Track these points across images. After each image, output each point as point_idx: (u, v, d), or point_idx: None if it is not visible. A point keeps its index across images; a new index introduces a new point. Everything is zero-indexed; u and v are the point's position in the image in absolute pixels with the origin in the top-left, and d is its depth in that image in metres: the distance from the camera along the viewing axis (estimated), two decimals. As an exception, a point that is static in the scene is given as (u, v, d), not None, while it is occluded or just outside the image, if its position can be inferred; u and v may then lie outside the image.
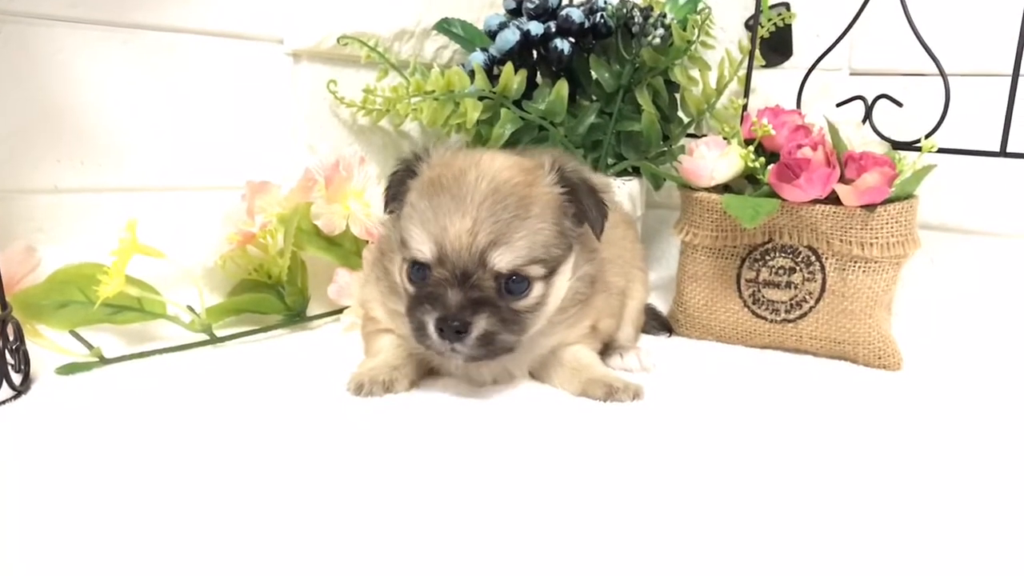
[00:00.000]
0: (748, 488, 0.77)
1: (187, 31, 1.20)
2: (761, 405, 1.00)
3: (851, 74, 1.34)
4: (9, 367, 0.88)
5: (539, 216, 0.90)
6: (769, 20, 1.33)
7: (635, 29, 1.21)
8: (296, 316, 1.19)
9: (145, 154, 1.18)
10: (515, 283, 0.90)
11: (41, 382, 0.94)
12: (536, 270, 0.90)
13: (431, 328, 0.88)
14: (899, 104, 1.20)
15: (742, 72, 1.32)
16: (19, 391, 0.89)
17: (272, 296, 1.17)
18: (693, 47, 1.23)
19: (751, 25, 1.30)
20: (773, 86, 1.36)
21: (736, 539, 0.68)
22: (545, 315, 0.95)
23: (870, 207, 1.12)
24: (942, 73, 1.17)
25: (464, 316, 0.87)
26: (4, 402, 0.87)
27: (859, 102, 1.23)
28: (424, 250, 0.89)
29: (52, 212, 1.11)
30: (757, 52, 1.39)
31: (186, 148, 1.22)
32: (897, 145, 1.20)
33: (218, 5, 1.22)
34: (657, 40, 1.20)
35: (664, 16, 1.23)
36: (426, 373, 1.02)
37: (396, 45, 1.40)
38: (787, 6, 1.37)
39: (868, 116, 1.23)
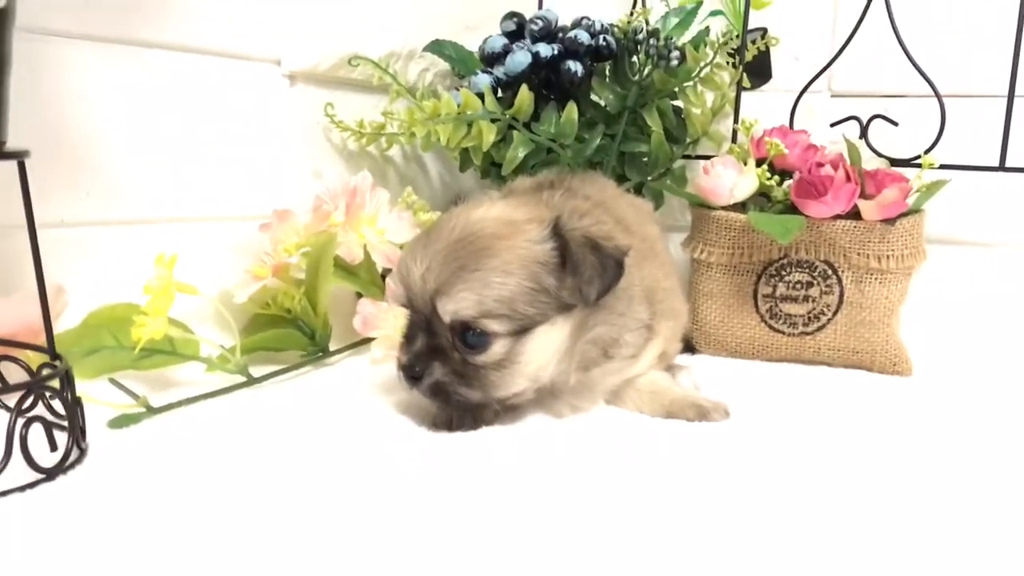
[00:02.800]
0: (801, 497, 0.78)
1: (189, 50, 1.11)
2: (791, 417, 1.01)
3: (832, 96, 1.40)
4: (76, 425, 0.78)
5: (505, 270, 0.86)
6: (753, 43, 1.37)
7: (651, 51, 1.22)
8: (320, 351, 1.12)
9: (149, 182, 1.09)
10: (473, 336, 0.87)
11: (94, 436, 0.84)
12: (493, 325, 0.86)
13: (397, 368, 0.91)
14: (895, 124, 1.27)
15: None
16: (83, 450, 0.79)
17: (295, 331, 1.10)
18: (707, 69, 1.25)
19: (737, 49, 1.34)
20: (753, 108, 1.40)
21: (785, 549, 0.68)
22: (521, 375, 0.89)
23: (889, 221, 1.17)
24: (937, 94, 1.24)
25: (418, 362, 0.89)
26: (74, 464, 0.77)
27: (853, 122, 1.29)
28: (397, 292, 0.92)
29: (58, 246, 1.00)
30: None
31: (190, 174, 1.14)
32: (894, 163, 1.27)
33: (219, 24, 1.14)
34: (674, 63, 1.21)
35: (672, 38, 1.25)
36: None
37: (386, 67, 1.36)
38: (765, 30, 1.43)
39: (864, 135, 1.29)
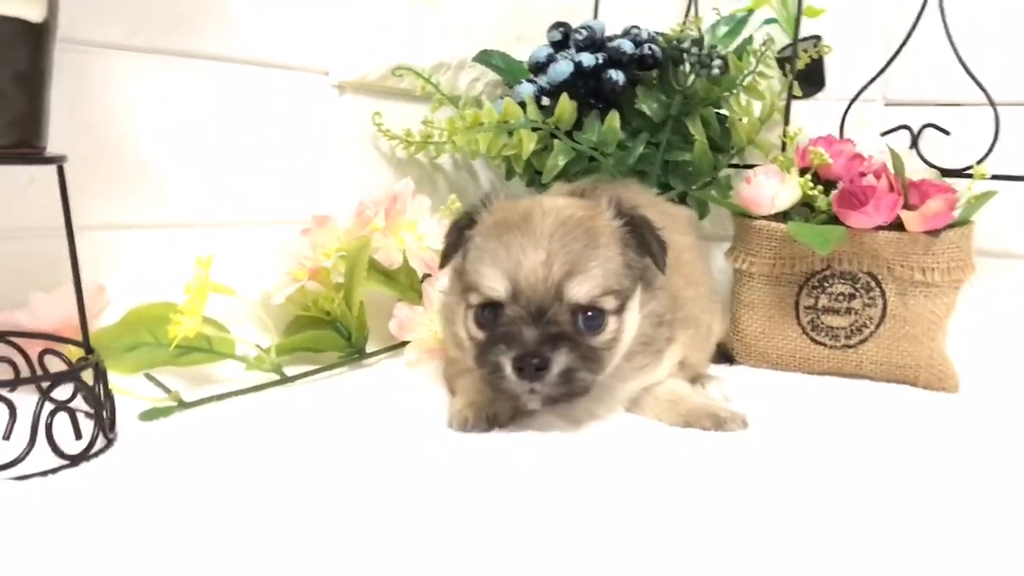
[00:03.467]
0: (837, 514, 0.76)
1: (237, 60, 1.16)
2: (832, 431, 1.00)
3: (886, 104, 1.37)
4: (104, 415, 0.83)
5: (607, 246, 0.90)
6: (805, 52, 1.35)
7: (692, 60, 1.21)
8: (356, 352, 1.16)
9: (197, 188, 1.14)
10: (591, 318, 0.88)
11: (124, 428, 0.89)
12: (610, 302, 0.89)
13: (508, 368, 0.85)
14: (947, 133, 1.24)
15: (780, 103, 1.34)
16: (111, 440, 0.84)
17: (333, 333, 1.14)
18: (750, 77, 1.24)
19: (788, 56, 1.33)
20: (805, 117, 1.38)
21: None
22: (619, 352, 0.93)
23: (933, 232, 1.14)
24: (991, 102, 1.20)
25: (543, 352, 0.84)
26: (99, 452, 0.81)
27: (904, 131, 1.26)
28: (498, 287, 0.87)
29: (105, 248, 1.06)
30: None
31: (237, 181, 1.19)
32: (944, 172, 1.23)
33: (267, 36, 1.19)
34: (716, 71, 1.21)
35: (716, 47, 1.24)
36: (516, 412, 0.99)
37: (435, 77, 1.38)
38: (819, 38, 1.40)
39: (914, 144, 1.26)
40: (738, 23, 1.34)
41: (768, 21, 1.45)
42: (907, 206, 1.15)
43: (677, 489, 0.80)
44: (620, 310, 0.90)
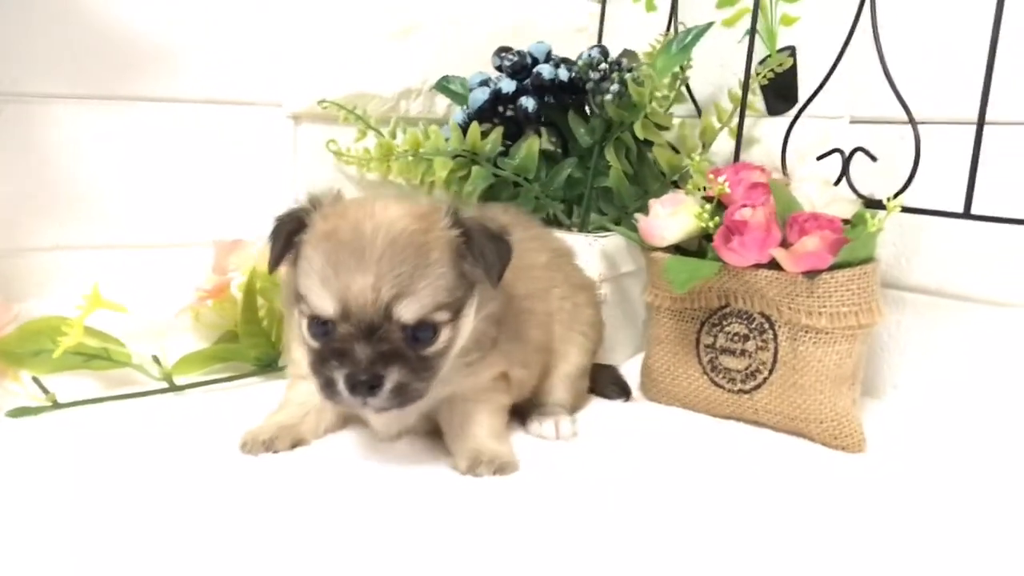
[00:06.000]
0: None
1: (184, 100, 1.31)
2: (695, 477, 0.96)
3: (852, 122, 1.22)
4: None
5: (439, 261, 0.89)
6: (768, 67, 1.25)
7: (590, 85, 1.18)
8: (267, 366, 1.26)
9: (144, 215, 1.30)
10: (422, 331, 0.89)
11: (-3, 423, 1.06)
12: (442, 315, 0.90)
13: (341, 385, 0.88)
14: (873, 158, 1.09)
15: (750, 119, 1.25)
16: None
17: (236, 346, 1.25)
18: (652, 105, 1.18)
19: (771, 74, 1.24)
20: (779, 136, 1.27)
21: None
22: (453, 355, 0.94)
23: (811, 274, 1.02)
24: (912, 122, 1.05)
25: (376, 370, 0.86)
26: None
27: (837, 155, 1.13)
28: (327, 307, 0.88)
29: (52, 270, 1.25)
30: (759, 100, 1.32)
31: (186, 209, 1.33)
32: (870, 203, 1.09)
33: (215, 74, 1.32)
34: (609, 96, 1.16)
35: (620, 70, 1.19)
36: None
37: (403, 104, 1.45)
38: (793, 49, 1.28)
39: (845, 171, 1.12)
40: (689, 41, 1.26)
41: (747, 33, 1.34)
42: (786, 243, 1.04)
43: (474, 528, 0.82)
44: (455, 318, 0.92)
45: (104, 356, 1.18)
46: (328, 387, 0.89)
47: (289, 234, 0.95)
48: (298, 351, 1.04)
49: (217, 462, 0.95)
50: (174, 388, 1.18)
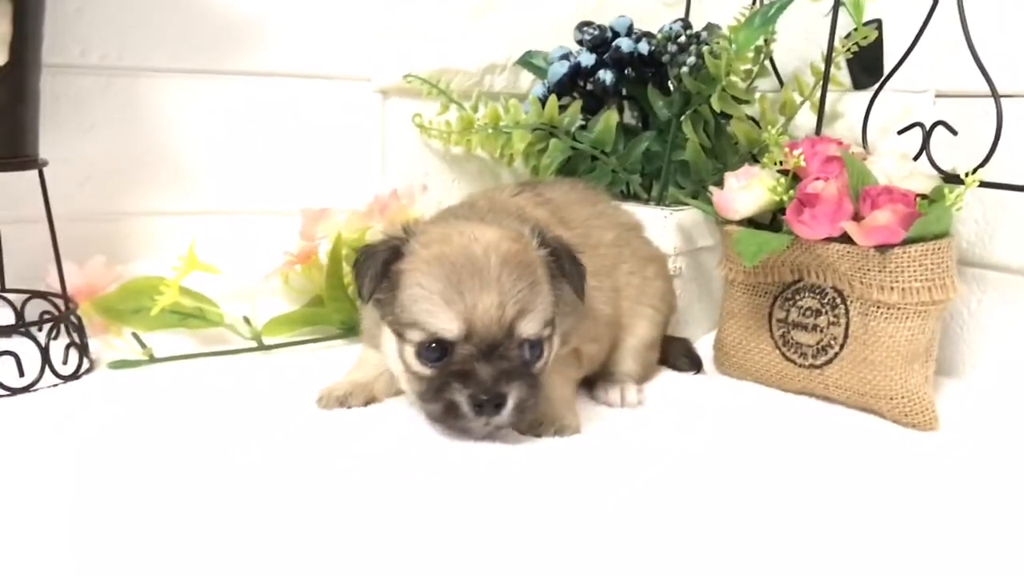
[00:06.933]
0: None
1: (278, 75, 1.36)
2: (760, 450, 0.96)
3: (938, 96, 1.19)
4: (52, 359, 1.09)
5: (543, 280, 0.93)
6: (853, 40, 1.23)
7: (666, 58, 1.18)
8: (350, 330, 1.31)
9: (238, 183, 1.37)
10: (534, 348, 0.93)
11: (97, 374, 1.14)
12: (548, 330, 0.94)
13: (466, 407, 0.89)
14: (954, 132, 1.07)
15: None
16: (64, 378, 1.10)
17: (321, 311, 1.30)
18: (729, 78, 1.17)
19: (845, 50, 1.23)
20: (861, 110, 1.24)
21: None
22: (548, 369, 0.97)
23: (883, 248, 1.01)
24: (995, 95, 1.02)
25: (499, 389, 0.88)
26: (48, 387, 1.07)
27: (918, 129, 1.11)
28: (452, 328, 0.89)
29: (152, 234, 1.33)
30: (843, 74, 1.30)
31: (277, 178, 1.39)
32: (950, 178, 1.07)
33: (308, 50, 1.37)
34: (685, 68, 1.16)
35: (699, 43, 1.19)
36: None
37: (488, 79, 1.48)
38: (879, 22, 1.26)
39: (925, 145, 1.10)
40: (772, 14, 1.25)
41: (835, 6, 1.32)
42: (857, 217, 1.03)
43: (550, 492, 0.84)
44: (553, 333, 0.96)
45: (198, 315, 1.25)
46: (450, 411, 0.90)
47: (386, 263, 0.94)
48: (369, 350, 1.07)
49: (295, 416, 1.01)
50: (262, 347, 1.25)
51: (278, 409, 1.03)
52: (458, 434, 0.93)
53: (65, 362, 1.10)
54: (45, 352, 1.07)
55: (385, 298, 0.95)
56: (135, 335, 1.20)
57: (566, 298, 0.98)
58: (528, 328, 0.90)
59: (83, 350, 1.13)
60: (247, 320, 1.25)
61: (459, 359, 0.89)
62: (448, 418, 0.90)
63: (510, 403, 0.88)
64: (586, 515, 0.79)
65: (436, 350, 0.91)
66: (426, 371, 0.92)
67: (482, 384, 0.87)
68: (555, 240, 0.97)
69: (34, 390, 1.06)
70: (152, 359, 1.18)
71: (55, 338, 1.12)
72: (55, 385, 1.08)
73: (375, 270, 0.94)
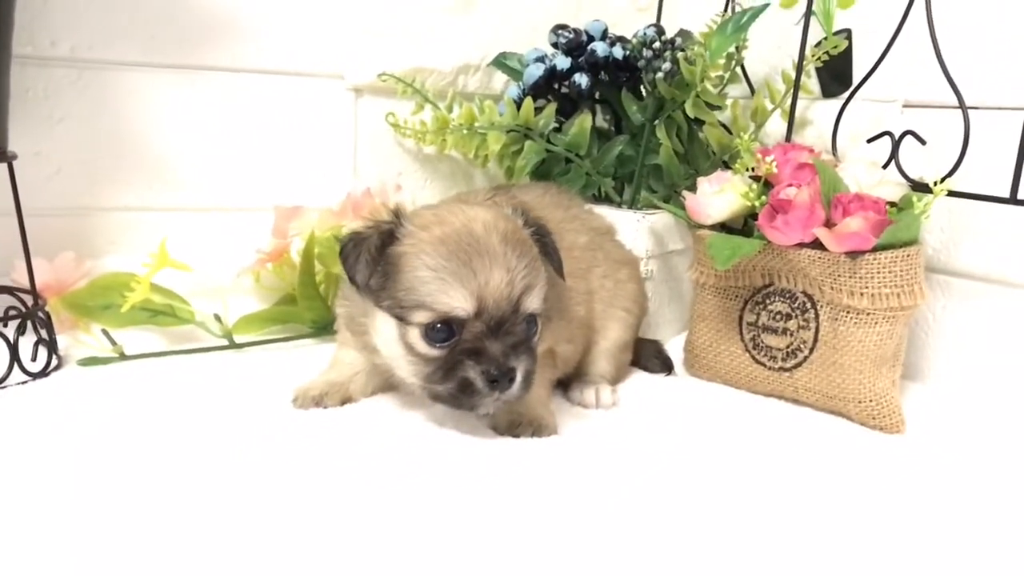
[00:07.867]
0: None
1: (250, 71, 1.35)
2: (730, 451, 0.98)
3: (905, 106, 1.22)
4: (21, 356, 1.07)
5: (537, 256, 0.96)
6: (824, 49, 1.25)
7: (642, 63, 1.19)
8: (323, 329, 1.31)
9: (210, 179, 1.35)
10: (531, 322, 0.94)
11: (66, 371, 1.13)
12: (545, 306, 0.95)
13: (480, 383, 0.89)
14: (923, 142, 1.09)
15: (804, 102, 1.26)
16: (33, 376, 1.08)
17: (293, 309, 1.30)
18: (702, 84, 1.19)
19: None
20: (831, 118, 1.27)
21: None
22: None
23: (853, 254, 1.03)
24: (962, 107, 1.05)
25: (510, 363, 0.89)
26: (16, 383, 1.05)
27: (887, 138, 1.13)
28: (464, 305, 0.89)
29: (122, 230, 1.31)
30: (814, 83, 1.33)
31: (249, 175, 1.38)
32: (918, 187, 1.09)
33: (281, 46, 1.36)
34: (660, 74, 1.18)
35: (673, 49, 1.20)
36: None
37: (462, 79, 1.48)
38: (849, 32, 1.28)
39: (894, 154, 1.13)
40: (744, 22, 1.26)
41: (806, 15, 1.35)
42: (830, 223, 1.05)
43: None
44: (545, 311, 0.97)
45: (169, 312, 1.24)
46: (464, 388, 0.90)
47: (380, 247, 0.93)
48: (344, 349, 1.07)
49: (269, 415, 1.00)
50: (234, 345, 1.24)
51: (251, 408, 1.03)
52: (467, 411, 0.93)
53: (34, 359, 1.09)
54: (14, 349, 1.06)
55: (381, 283, 0.93)
56: (105, 332, 1.19)
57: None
58: (532, 303, 0.92)
59: (52, 347, 1.11)
60: (218, 318, 1.24)
61: (469, 337, 0.90)
62: (462, 396, 0.90)
63: (519, 376, 0.90)
64: (565, 514, 0.80)
65: (443, 330, 0.90)
66: (433, 352, 0.91)
67: (494, 360, 0.88)
68: (536, 220, 0.98)
69: (2, 387, 1.04)
70: (122, 356, 1.17)
71: (23, 334, 1.10)
72: (24, 382, 1.06)
73: (370, 255, 0.92)
